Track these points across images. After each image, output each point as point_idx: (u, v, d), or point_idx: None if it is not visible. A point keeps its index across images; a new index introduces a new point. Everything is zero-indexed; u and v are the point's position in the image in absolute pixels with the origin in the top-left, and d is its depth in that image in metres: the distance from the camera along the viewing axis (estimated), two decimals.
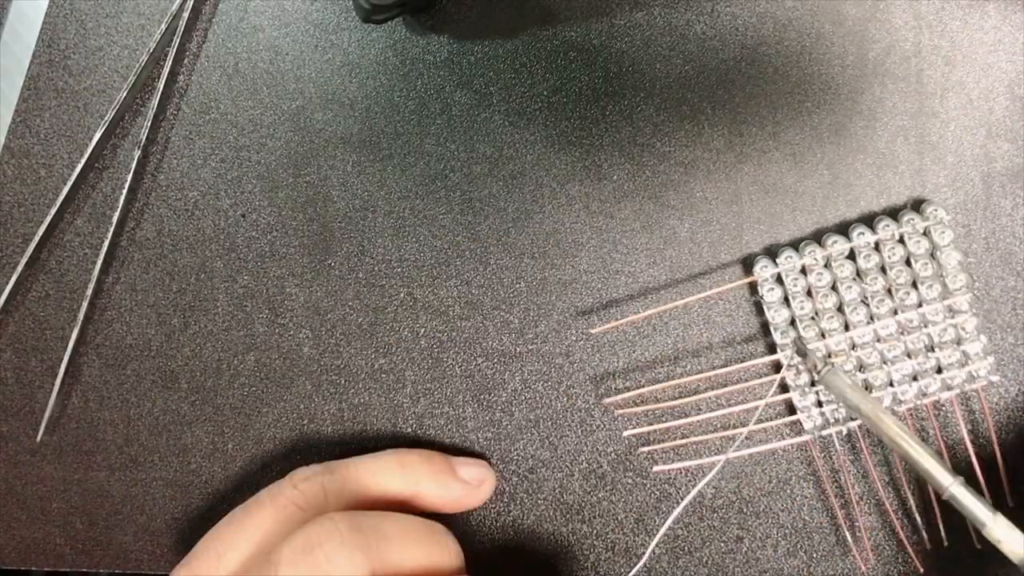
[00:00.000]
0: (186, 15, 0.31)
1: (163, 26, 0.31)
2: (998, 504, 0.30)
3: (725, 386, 0.31)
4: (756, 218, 0.31)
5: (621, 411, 0.31)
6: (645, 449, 0.31)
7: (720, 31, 0.30)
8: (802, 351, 0.29)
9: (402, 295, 0.32)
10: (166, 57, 0.31)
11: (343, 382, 0.32)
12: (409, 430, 0.32)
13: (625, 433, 0.31)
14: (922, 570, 0.30)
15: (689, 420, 0.31)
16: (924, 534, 0.30)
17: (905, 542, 0.30)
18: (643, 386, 0.31)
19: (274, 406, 0.32)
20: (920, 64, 0.30)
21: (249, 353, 0.32)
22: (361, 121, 0.31)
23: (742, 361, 0.31)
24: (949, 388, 0.30)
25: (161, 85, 0.31)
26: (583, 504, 0.31)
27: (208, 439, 0.32)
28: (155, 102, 0.31)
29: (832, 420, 0.30)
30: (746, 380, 0.31)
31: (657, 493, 0.31)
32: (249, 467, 0.32)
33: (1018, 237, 0.30)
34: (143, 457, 0.32)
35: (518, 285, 0.31)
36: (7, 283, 0.32)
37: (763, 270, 0.30)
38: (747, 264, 0.31)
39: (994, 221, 0.30)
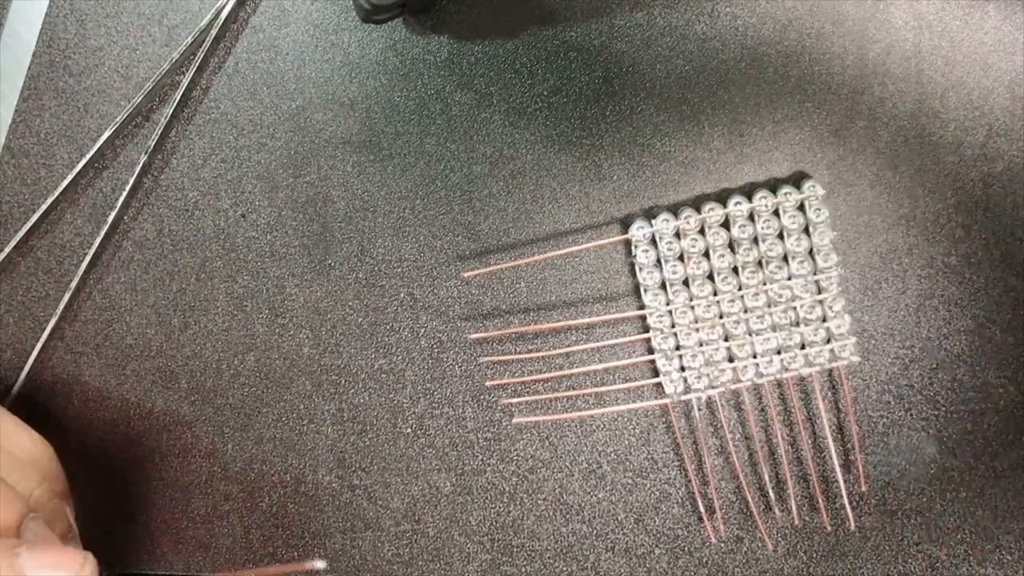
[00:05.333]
0: (214, 31, 0.31)
1: (189, 39, 0.31)
2: (851, 490, 0.30)
3: (593, 341, 0.31)
4: None
5: (487, 359, 0.31)
6: (508, 401, 0.31)
7: (720, 31, 0.30)
8: None
9: (402, 295, 0.32)
10: (188, 68, 0.31)
11: (343, 382, 0.32)
12: (409, 430, 0.32)
13: (488, 383, 0.31)
14: (771, 547, 0.31)
15: (556, 374, 0.31)
16: (776, 511, 0.31)
17: (756, 518, 0.31)
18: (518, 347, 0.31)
19: (274, 406, 0.32)
20: (920, 64, 0.30)
21: (249, 353, 0.32)
22: (361, 121, 0.31)
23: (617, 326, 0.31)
24: (811, 364, 0.30)
25: (179, 95, 0.31)
26: (583, 504, 0.31)
27: (208, 439, 0.32)
28: (169, 111, 0.31)
29: (693, 386, 0.30)
30: (614, 338, 0.31)
31: (657, 493, 0.31)
32: (249, 467, 0.32)
33: (1018, 237, 0.30)
34: (144, 457, 0.32)
35: (518, 285, 0.31)
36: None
37: (638, 230, 0.30)
38: (625, 224, 0.31)
39: (994, 221, 0.30)
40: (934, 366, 0.30)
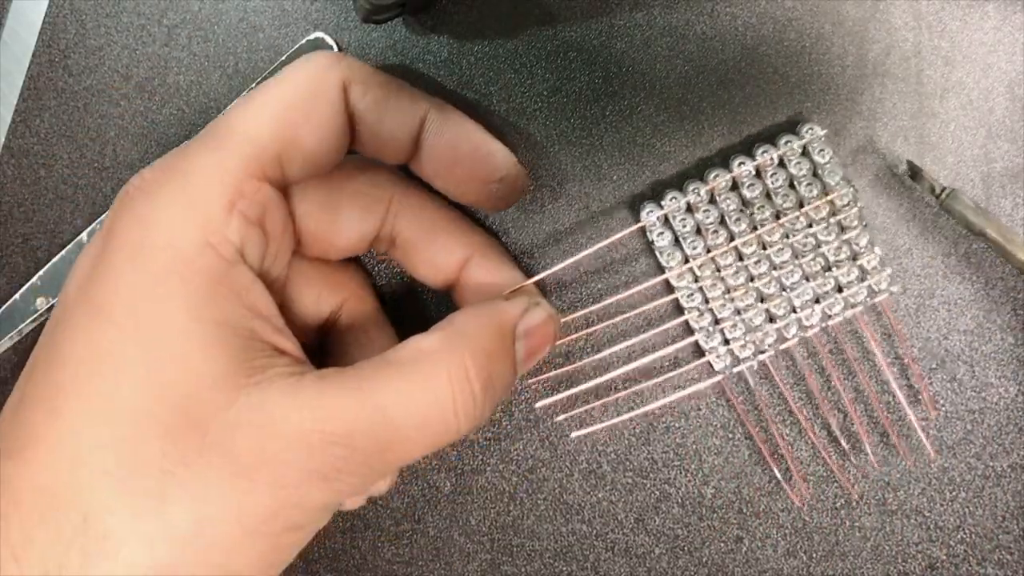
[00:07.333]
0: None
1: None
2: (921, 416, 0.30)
3: (629, 338, 0.31)
4: None
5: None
6: (560, 417, 0.31)
7: (720, 31, 0.30)
8: (916, 171, 0.29)
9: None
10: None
11: None
12: None
13: (537, 405, 0.31)
14: (856, 497, 0.31)
15: (598, 381, 0.31)
16: (852, 459, 0.31)
17: (835, 469, 0.31)
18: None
19: None
20: (920, 64, 0.30)
21: None
22: None
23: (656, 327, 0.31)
24: (853, 306, 0.30)
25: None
26: (583, 504, 0.31)
27: None
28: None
29: (741, 357, 0.30)
30: (649, 328, 0.31)
31: (657, 493, 0.31)
32: None
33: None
34: None
35: None
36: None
37: (649, 215, 0.30)
38: (635, 209, 0.31)
39: None
40: (934, 366, 0.30)
